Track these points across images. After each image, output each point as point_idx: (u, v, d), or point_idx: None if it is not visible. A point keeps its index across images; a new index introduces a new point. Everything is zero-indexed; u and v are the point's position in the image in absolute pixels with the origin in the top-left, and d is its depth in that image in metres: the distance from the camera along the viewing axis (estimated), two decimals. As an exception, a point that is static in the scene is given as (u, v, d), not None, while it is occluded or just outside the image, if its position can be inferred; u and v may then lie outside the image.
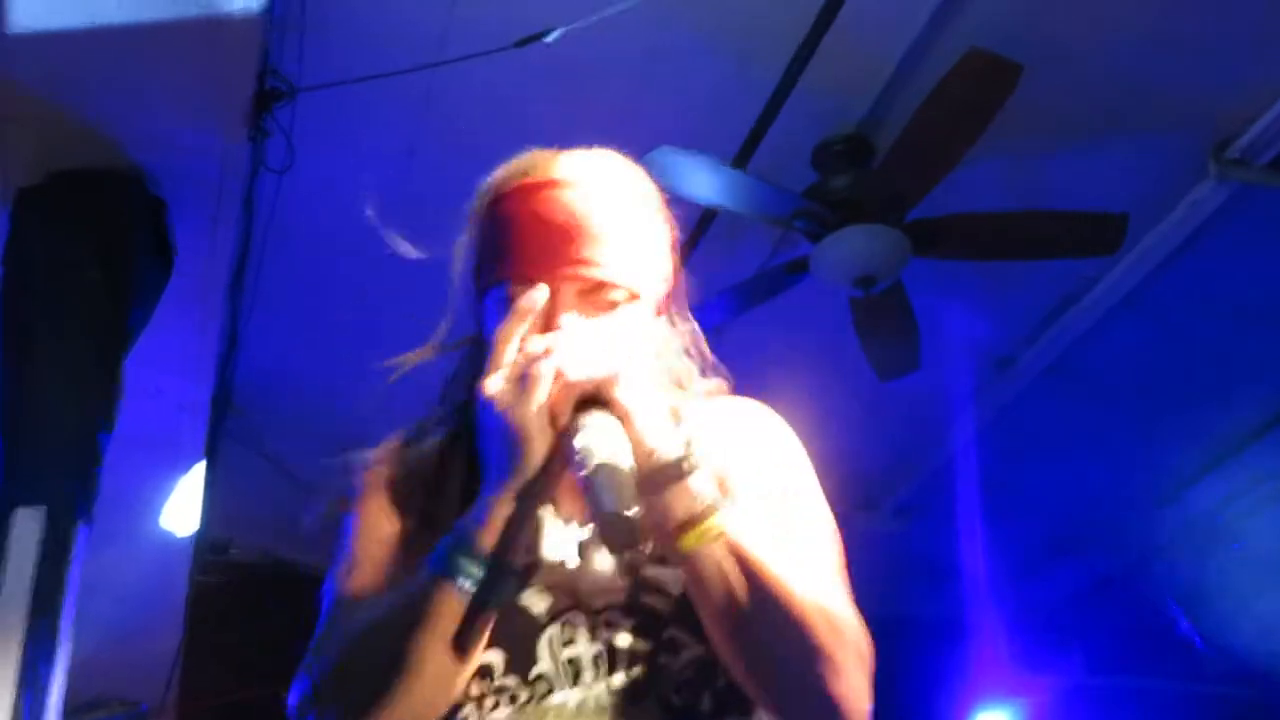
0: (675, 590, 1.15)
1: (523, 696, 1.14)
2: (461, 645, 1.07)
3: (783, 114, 3.33)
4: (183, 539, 4.55)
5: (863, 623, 1.12)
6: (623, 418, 1.07)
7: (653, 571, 1.17)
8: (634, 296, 1.20)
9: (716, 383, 1.30)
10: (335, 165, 3.56)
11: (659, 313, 1.26)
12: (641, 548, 1.13)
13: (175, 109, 2.88)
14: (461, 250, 1.27)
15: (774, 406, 1.34)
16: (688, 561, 1.07)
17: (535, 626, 1.15)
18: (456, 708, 1.14)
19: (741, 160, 3.45)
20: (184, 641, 4.91)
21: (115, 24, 2.61)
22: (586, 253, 1.16)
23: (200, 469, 4.33)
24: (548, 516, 1.20)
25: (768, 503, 1.18)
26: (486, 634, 1.10)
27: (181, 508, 4.44)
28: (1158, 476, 5.32)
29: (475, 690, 1.14)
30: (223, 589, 5.27)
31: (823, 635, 1.06)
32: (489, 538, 1.08)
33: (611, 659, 1.14)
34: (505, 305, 1.16)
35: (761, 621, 1.06)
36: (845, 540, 1.23)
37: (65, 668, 2.60)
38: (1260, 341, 4.45)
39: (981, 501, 5.16)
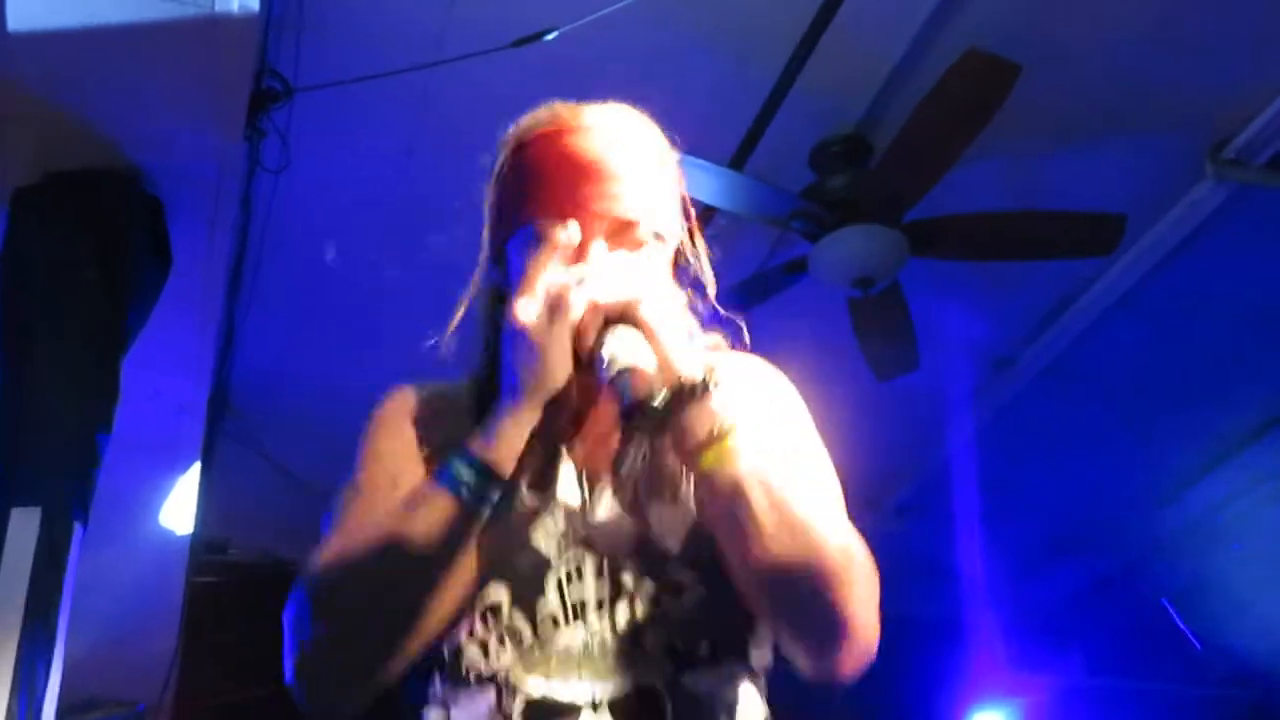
0: (681, 531, 1.17)
1: (529, 639, 1.14)
2: (447, 551, 1.08)
3: (780, 114, 3.33)
4: (181, 539, 4.55)
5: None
6: (649, 336, 1.08)
7: (658, 512, 1.18)
8: (659, 238, 1.22)
9: (716, 338, 1.31)
10: (333, 165, 3.56)
11: (673, 264, 1.28)
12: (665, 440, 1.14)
13: (173, 109, 2.87)
14: (489, 196, 1.28)
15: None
16: (706, 480, 1.09)
17: (544, 566, 1.16)
18: (462, 649, 1.14)
19: (739, 160, 3.45)
20: (181, 641, 4.92)
21: (112, 24, 2.62)
22: (616, 192, 1.19)
23: (196, 469, 4.33)
24: (564, 463, 1.20)
25: (771, 457, 1.19)
26: (473, 544, 1.10)
27: (179, 507, 4.43)
28: (1157, 476, 5.32)
29: (482, 631, 1.15)
30: (221, 589, 5.27)
31: (837, 556, 1.08)
32: (491, 451, 1.10)
33: (615, 599, 1.15)
34: (533, 243, 1.17)
35: (778, 541, 1.07)
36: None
37: (61, 668, 2.59)
38: (1258, 341, 4.45)
39: (980, 502, 5.17)
